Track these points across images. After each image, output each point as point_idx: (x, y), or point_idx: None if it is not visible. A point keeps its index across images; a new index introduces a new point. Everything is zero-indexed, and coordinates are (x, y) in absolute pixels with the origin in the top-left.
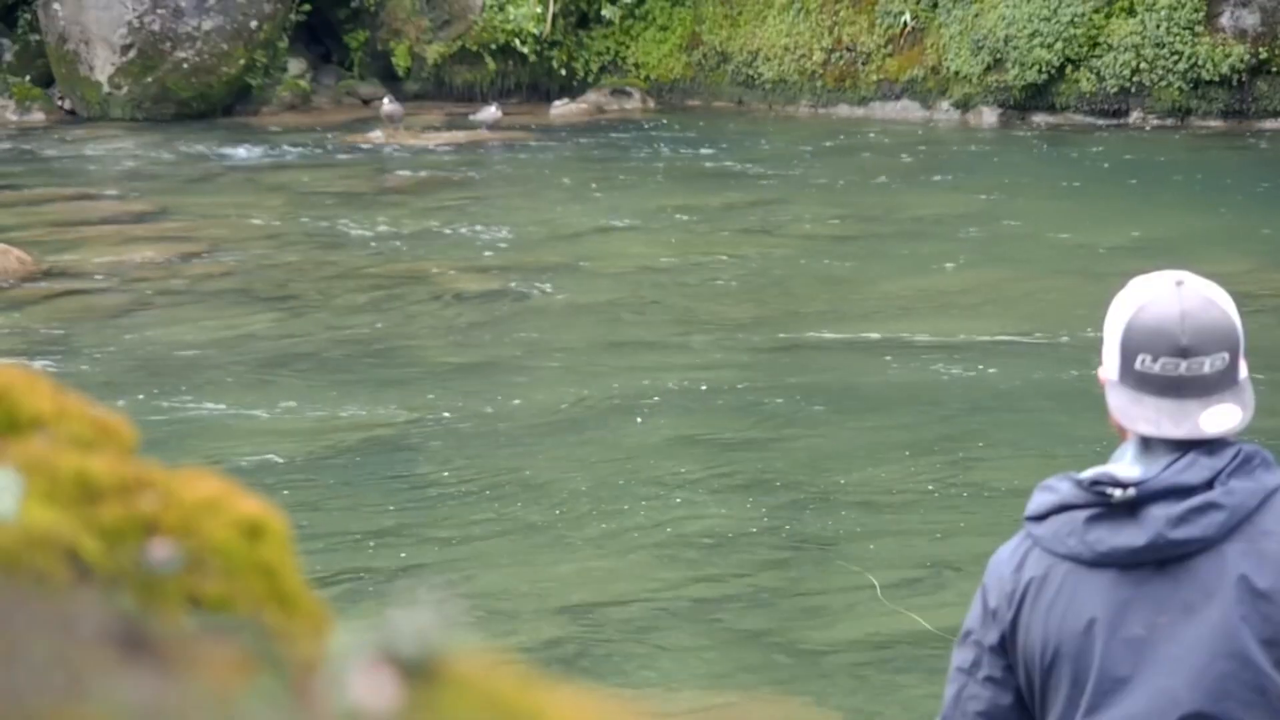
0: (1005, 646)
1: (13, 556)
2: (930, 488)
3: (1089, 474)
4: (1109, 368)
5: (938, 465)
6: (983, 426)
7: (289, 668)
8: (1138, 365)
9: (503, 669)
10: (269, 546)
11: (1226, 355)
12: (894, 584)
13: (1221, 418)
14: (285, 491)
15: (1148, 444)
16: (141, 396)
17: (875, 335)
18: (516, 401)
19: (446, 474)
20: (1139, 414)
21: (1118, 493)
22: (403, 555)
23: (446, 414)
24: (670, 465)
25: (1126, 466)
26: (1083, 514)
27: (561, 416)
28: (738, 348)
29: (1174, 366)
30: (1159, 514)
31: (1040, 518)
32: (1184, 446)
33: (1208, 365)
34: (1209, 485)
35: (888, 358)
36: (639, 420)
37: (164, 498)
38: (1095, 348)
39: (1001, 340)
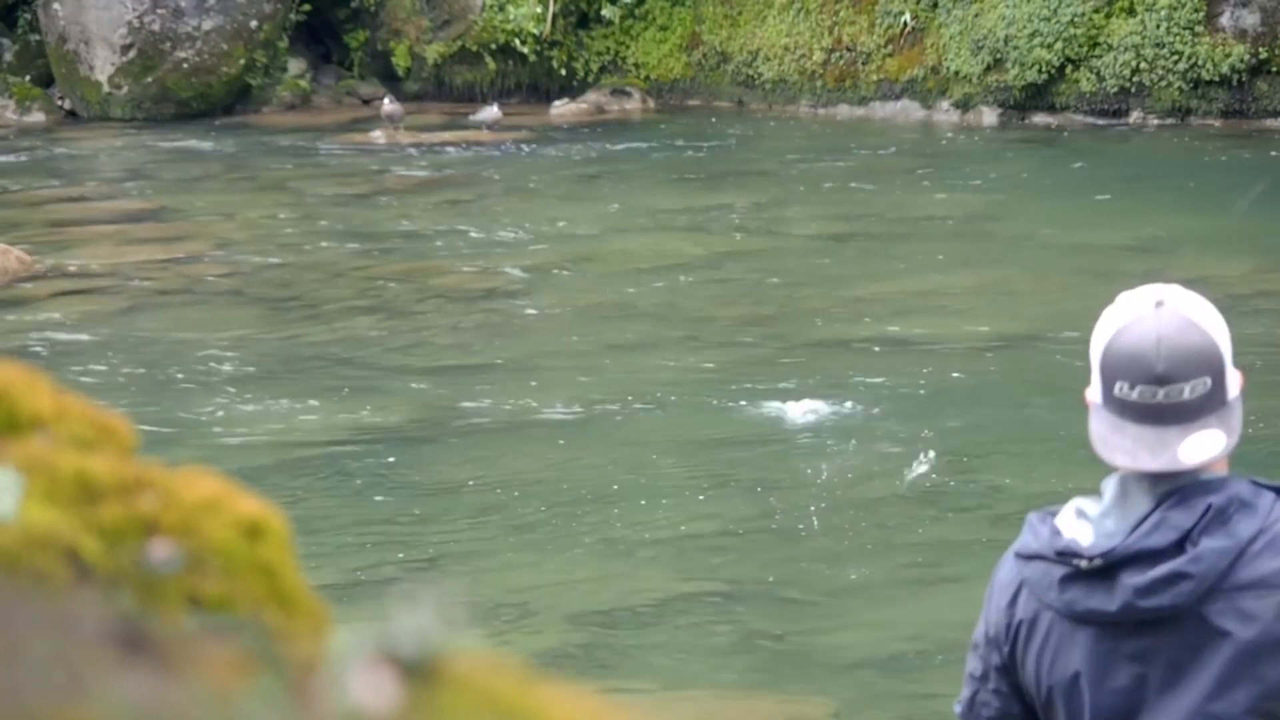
0: (1008, 668)
1: (13, 556)
2: (930, 486)
3: (1060, 538)
4: (1094, 390)
5: (938, 464)
6: (983, 426)
7: (289, 668)
8: (1116, 392)
9: (503, 669)
10: (269, 546)
11: (1208, 379)
12: (894, 582)
13: (1202, 445)
14: (285, 491)
15: (1125, 487)
16: (141, 396)
17: (875, 335)
18: (516, 401)
19: (446, 474)
20: (1117, 444)
21: (1083, 563)
22: (402, 555)
23: (446, 414)
24: (670, 465)
25: (1097, 522)
26: (1058, 571)
27: (561, 416)
28: (738, 347)
29: (1151, 394)
30: (1128, 583)
31: (1027, 558)
32: (1161, 486)
33: (1187, 391)
34: (1179, 546)
35: (888, 357)
36: (639, 420)
37: (164, 498)
38: None
39: (1002, 340)
